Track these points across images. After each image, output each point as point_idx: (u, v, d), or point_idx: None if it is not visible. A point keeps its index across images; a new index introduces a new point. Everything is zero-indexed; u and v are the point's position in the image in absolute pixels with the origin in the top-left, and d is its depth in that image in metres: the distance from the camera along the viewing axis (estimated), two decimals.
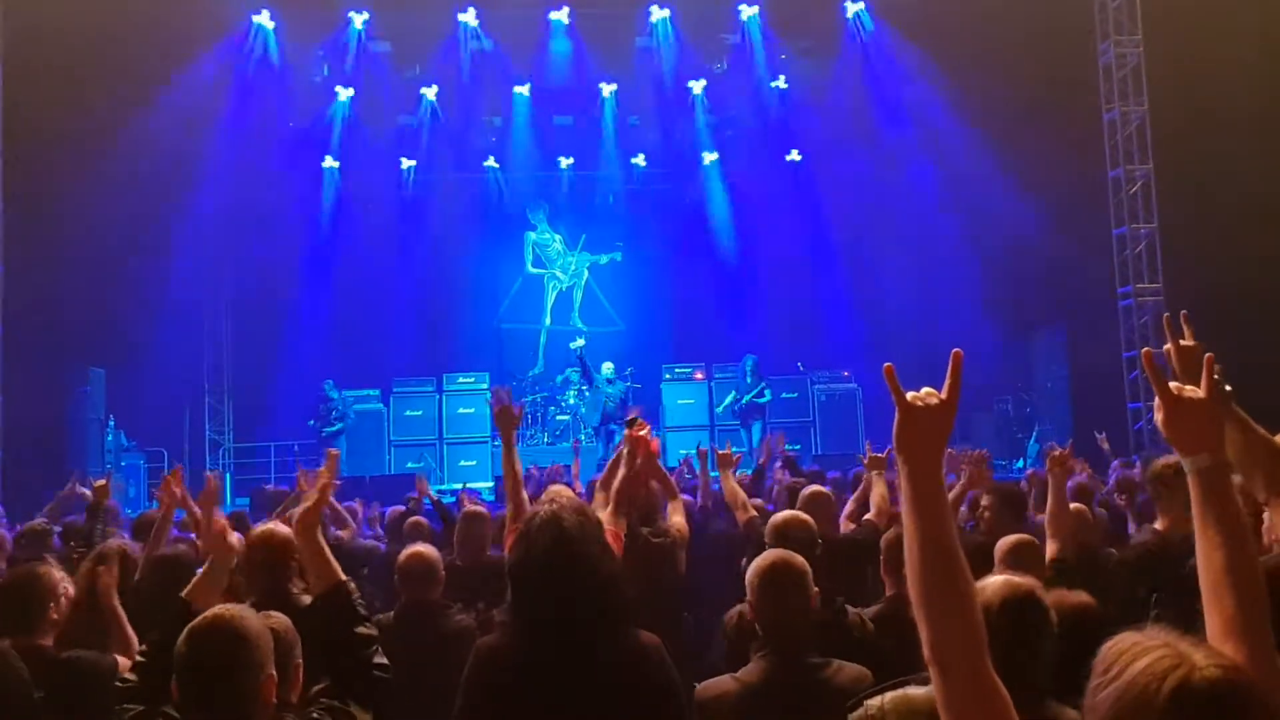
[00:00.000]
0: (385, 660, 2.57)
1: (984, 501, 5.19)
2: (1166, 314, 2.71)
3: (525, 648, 2.66)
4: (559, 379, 17.50)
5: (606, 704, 2.62)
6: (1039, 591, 2.47)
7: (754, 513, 5.26)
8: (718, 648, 3.82)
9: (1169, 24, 14.16)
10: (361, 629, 2.56)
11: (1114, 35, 15.03)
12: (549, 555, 2.67)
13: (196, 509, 4.83)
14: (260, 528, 3.84)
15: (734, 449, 6.08)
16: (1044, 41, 14.55)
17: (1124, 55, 15.07)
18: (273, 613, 2.65)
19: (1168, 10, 14.20)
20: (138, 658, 2.52)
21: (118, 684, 2.50)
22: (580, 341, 16.45)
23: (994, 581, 2.40)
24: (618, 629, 2.71)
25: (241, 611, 2.33)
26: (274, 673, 2.29)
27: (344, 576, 2.65)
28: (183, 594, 2.72)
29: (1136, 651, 1.38)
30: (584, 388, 16.67)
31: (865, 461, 6.00)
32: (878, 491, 5.66)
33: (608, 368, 15.71)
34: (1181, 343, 2.57)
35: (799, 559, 3.12)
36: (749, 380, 15.54)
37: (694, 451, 7.17)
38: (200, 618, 2.28)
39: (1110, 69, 15.17)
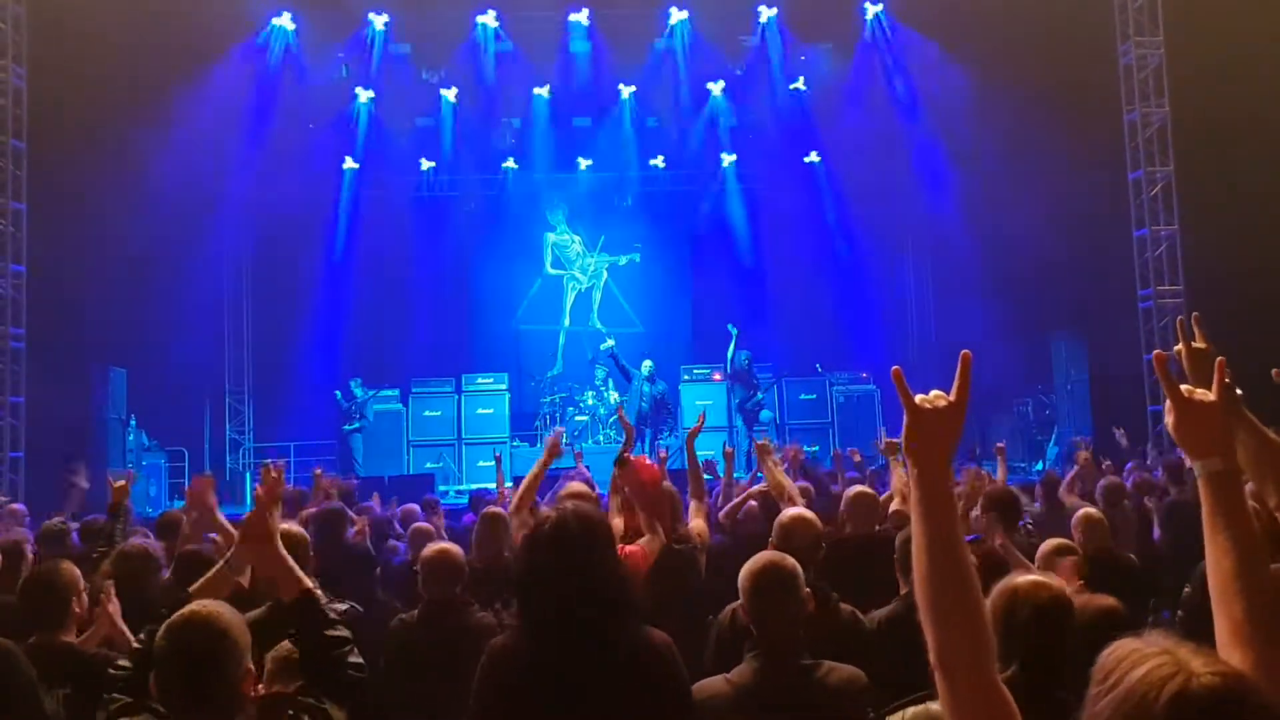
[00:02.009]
0: (360, 660, 2.60)
1: (977, 508, 5.15)
2: (1180, 317, 2.70)
3: (534, 648, 2.69)
4: (599, 376, 17.34)
5: (616, 702, 2.64)
6: (1068, 591, 2.48)
7: (801, 503, 5.11)
8: (709, 647, 3.82)
9: (1190, 25, 14.06)
10: (332, 631, 2.58)
11: (1134, 36, 14.94)
12: (553, 557, 2.71)
13: (223, 521, 4.87)
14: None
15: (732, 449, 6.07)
16: (1064, 43, 14.47)
17: (1145, 56, 14.96)
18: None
19: (1189, 11, 14.11)
20: (134, 644, 2.54)
21: (111, 671, 2.52)
22: (611, 342, 16.48)
23: (1022, 582, 2.41)
24: (625, 627, 2.73)
25: (219, 606, 2.34)
26: (252, 667, 2.31)
27: (309, 584, 2.67)
28: (190, 589, 2.74)
29: (1135, 659, 1.36)
30: (604, 389, 16.69)
31: (882, 448, 5.96)
32: (898, 477, 5.60)
33: (647, 366, 15.71)
34: (1194, 345, 2.56)
35: (790, 560, 3.13)
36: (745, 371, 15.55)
37: (715, 454, 7.16)
38: (177, 613, 2.30)
39: (1131, 70, 15.07)
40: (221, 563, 2.85)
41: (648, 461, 4.92)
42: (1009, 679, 2.23)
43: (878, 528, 5.24)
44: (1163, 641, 1.38)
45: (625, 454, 5.02)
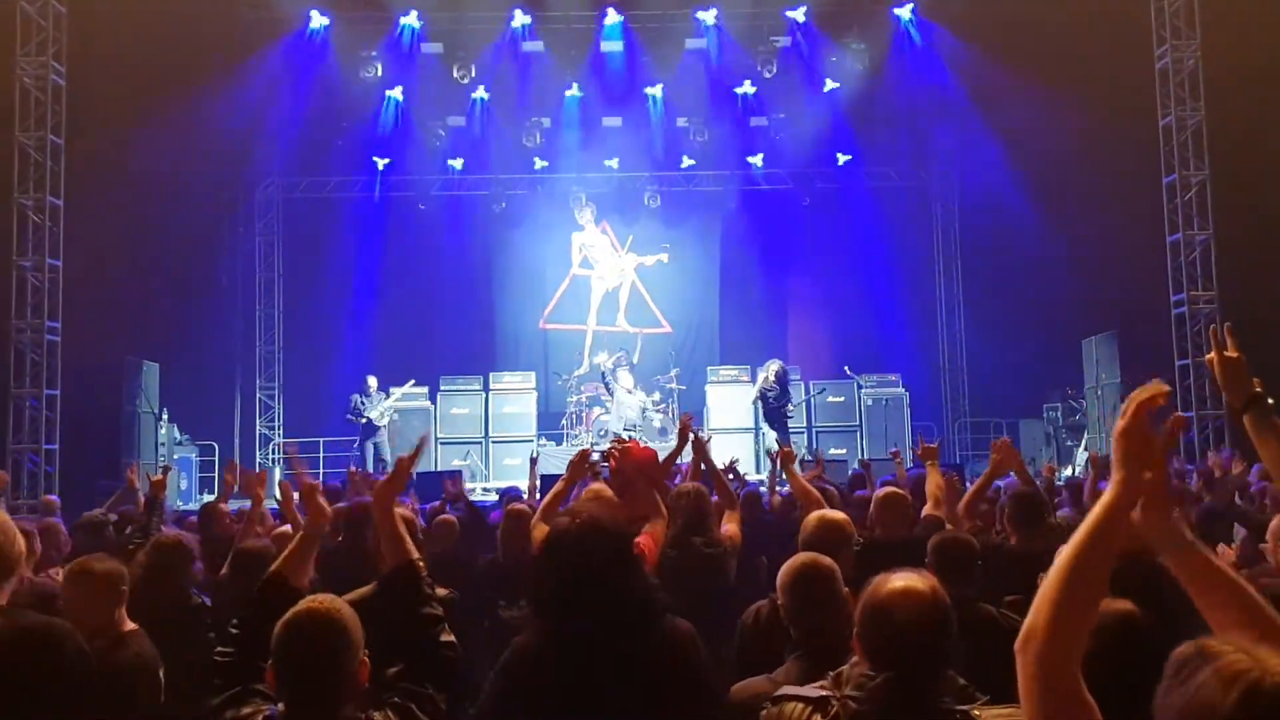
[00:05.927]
0: (453, 639, 2.59)
1: (1006, 507, 5.09)
2: (1213, 325, 2.70)
3: (557, 646, 2.68)
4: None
5: (638, 696, 2.64)
6: (1140, 614, 2.45)
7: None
8: (734, 646, 3.80)
9: (1227, 28, 13.91)
10: (427, 609, 2.59)
11: (1171, 40, 14.77)
12: (575, 558, 2.71)
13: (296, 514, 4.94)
14: None
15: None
16: (1100, 45, 14.36)
17: (1181, 59, 14.80)
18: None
19: (1226, 14, 13.95)
20: (232, 630, 2.57)
21: (216, 658, 2.54)
22: (603, 356, 16.48)
23: (893, 586, 2.38)
24: (648, 624, 2.73)
25: (336, 602, 2.37)
26: (366, 658, 2.34)
27: (415, 554, 2.68)
28: (273, 568, 2.74)
29: (1208, 655, 1.35)
30: (628, 391, 16.77)
31: (919, 453, 5.86)
32: (934, 481, 5.50)
33: (627, 380, 15.82)
34: (1225, 353, 2.55)
35: (826, 560, 3.12)
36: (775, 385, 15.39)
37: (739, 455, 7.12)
38: (294, 610, 2.32)
39: (1167, 73, 14.89)
40: (300, 537, 2.84)
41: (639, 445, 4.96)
42: (879, 687, 2.24)
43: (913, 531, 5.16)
44: (1237, 640, 1.37)
45: (654, 453, 5.08)
